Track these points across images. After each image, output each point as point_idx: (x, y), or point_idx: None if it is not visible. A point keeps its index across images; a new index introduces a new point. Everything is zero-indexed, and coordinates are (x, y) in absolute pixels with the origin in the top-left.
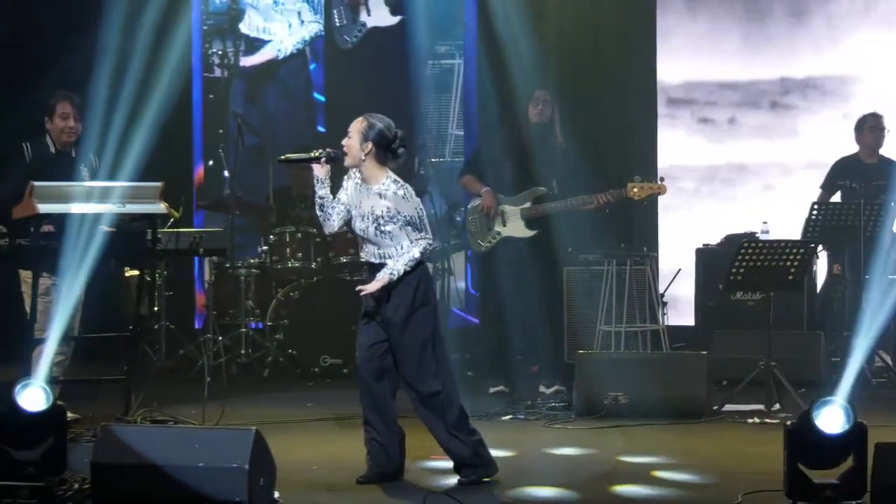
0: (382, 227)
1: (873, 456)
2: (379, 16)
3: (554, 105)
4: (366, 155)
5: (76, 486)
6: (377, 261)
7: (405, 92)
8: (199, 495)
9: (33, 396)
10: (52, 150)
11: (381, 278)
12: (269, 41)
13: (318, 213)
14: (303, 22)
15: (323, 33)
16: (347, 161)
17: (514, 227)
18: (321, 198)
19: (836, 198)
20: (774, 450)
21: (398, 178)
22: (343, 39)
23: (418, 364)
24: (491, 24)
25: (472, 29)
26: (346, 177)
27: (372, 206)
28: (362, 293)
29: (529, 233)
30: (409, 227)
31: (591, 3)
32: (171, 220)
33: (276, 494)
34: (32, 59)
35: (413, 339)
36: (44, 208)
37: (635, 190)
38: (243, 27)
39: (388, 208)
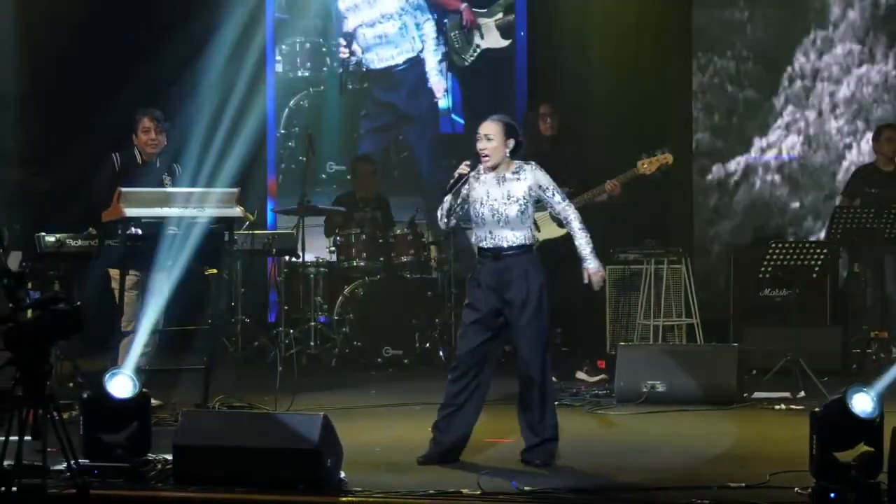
0: (522, 208)
1: (891, 439)
2: (491, 39)
3: (557, 115)
4: (509, 152)
5: (159, 466)
6: (516, 242)
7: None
8: (271, 474)
9: (121, 384)
10: (139, 159)
11: (593, 256)
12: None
13: (445, 216)
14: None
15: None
16: (492, 162)
17: (549, 229)
18: (451, 208)
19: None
20: (800, 433)
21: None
22: (461, 59)
23: (543, 340)
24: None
25: (523, 51)
26: (471, 176)
27: (509, 192)
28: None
29: (562, 231)
30: (558, 195)
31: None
32: (247, 222)
33: (343, 474)
34: (126, 79)
35: (544, 318)
36: (130, 212)
37: (645, 166)
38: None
39: (529, 186)
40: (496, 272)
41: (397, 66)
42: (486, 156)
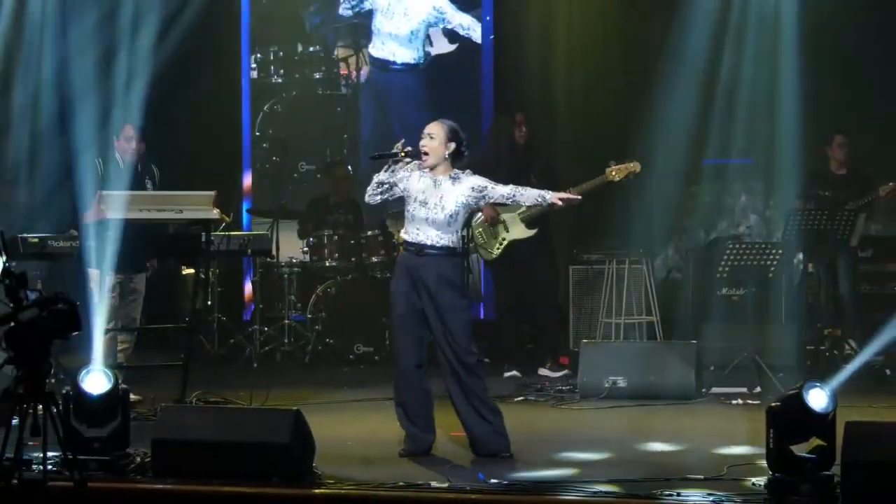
0: (453, 213)
1: (844, 433)
2: (440, 45)
3: (530, 123)
4: (448, 154)
5: (138, 459)
6: (439, 243)
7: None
8: (247, 467)
9: (96, 381)
10: (121, 164)
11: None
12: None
13: (374, 189)
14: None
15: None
16: (430, 161)
17: (517, 230)
18: (382, 182)
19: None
20: (756, 427)
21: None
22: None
23: (463, 335)
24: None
25: (489, 57)
26: (407, 168)
27: (442, 195)
28: (572, 198)
29: (531, 232)
30: (497, 186)
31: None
32: (223, 224)
33: (315, 466)
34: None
35: (460, 317)
36: (111, 214)
37: (613, 173)
38: (373, 50)
39: (463, 192)
40: (414, 268)
41: (394, 63)
42: (426, 153)
